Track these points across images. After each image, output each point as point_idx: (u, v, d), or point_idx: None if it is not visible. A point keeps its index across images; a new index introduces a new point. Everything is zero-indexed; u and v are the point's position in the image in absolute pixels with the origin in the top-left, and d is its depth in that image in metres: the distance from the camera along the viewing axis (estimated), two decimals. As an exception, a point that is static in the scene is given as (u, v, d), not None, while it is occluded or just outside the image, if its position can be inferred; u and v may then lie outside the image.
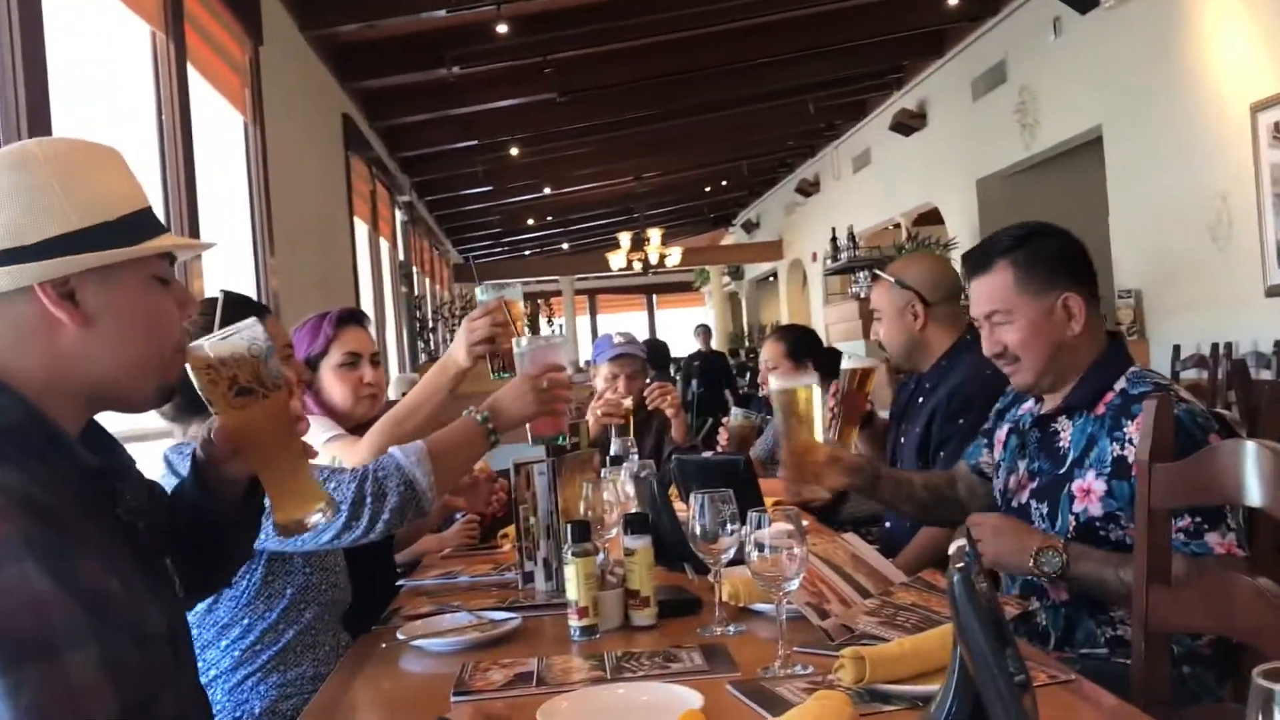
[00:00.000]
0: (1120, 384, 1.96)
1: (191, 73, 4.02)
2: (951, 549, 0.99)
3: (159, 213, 1.29)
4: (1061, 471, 1.98)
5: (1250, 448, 1.47)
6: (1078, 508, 1.93)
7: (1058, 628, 1.99)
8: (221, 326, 1.76)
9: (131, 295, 1.19)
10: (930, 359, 2.81)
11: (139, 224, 1.20)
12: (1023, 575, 1.96)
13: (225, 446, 1.35)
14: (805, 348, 3.67)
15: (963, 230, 9.55)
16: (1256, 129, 5.88)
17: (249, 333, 1.30)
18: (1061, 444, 2.01)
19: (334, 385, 2.56)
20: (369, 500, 1.78)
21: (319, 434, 2.37)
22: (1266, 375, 5.71)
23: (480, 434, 1.92)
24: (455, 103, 8.51)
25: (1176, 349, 6.44)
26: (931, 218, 10.83)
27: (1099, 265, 7.46)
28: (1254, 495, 1.46)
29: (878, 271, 2.95)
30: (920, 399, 2.84)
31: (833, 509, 3.40)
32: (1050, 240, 2.05)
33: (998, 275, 2.03)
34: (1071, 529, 1.94)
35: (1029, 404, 2.16)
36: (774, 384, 2.10)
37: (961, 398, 2.67)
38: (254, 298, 2.12)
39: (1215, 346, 6.15)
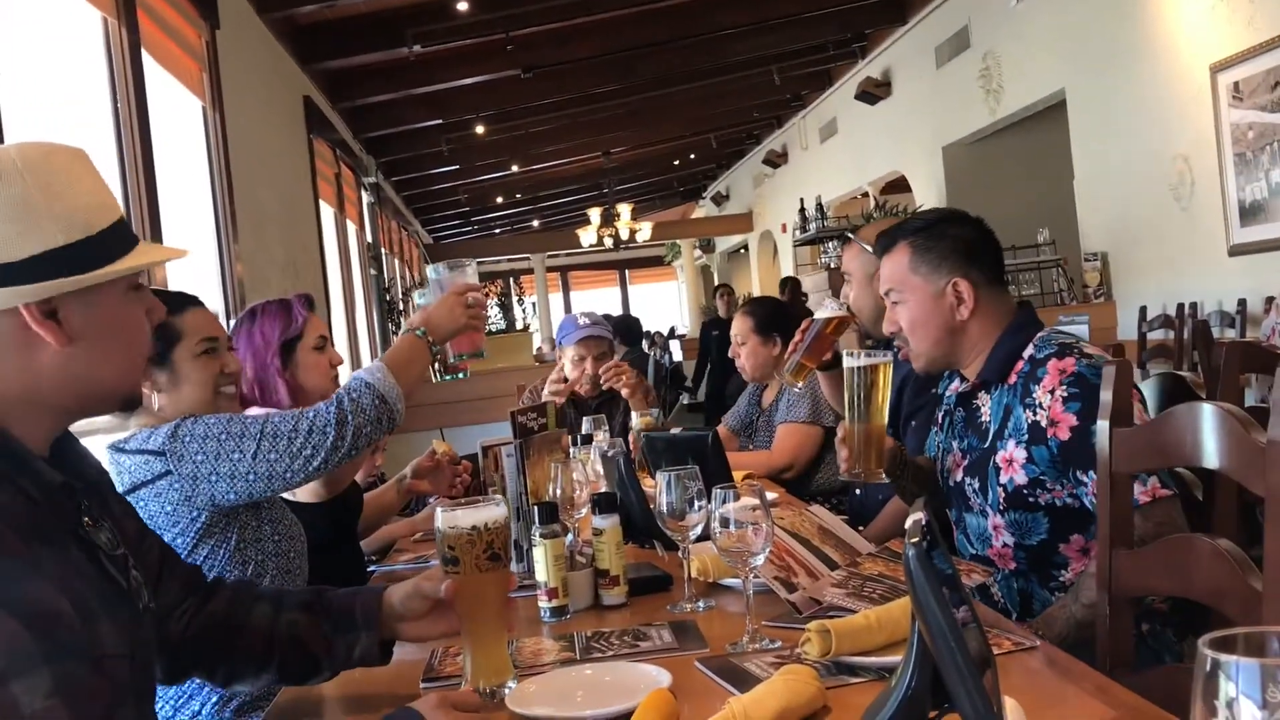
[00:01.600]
0: (1029, 351, 1.99)
1: (146, 59, 3.97)
2: (908, 523, 1.00)
3: (119, 203, 1.26)
4: (986, 445, 2.02)
5: (1207, 410, 1.48)
6: (1004, 479, 1.96)
7: (1014, 602, 2.01)
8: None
9: (112, 310, 1.18)
10: None
11: (118, 236, 1.18)
12: None
13: (422, 608, 1.48)
14: (774, 321, 3.67)
15: (930, 198, 9.56)
16: (1217, 90, 5.91)
17: (503, 507, 1.47)
18: (983, 419, 2.05)
19: (310, 369, 2.55)
20: (350, 417, 1.86)
21: None
22: (1231, 334, 5.77)
23: (423, 346, 2.03)
24: (418, 81, 8.43)
25: (1143, 310, 6.49)
26: (899, 186, 10.85)
27: (1065, 228, 7.47)
28: (1211, 457, 1.47)
29: (849, 235, 2.94)
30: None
31: (803, 481, 3.42)
32: (954, 227, 2.08)
33: (897, 255, 2.09)
34: (1002, 500, 1.97)
35: (955, 384, 2.19)
36: (852, 361, 2.07)
37: None
38: (183, 291, 2.09)
39: (1181, 307, 6.21)
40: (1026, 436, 1.92)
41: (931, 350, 2.08)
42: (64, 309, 1.13)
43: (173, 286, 3.91)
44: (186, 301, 2.05)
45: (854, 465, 2.05)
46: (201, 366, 2.01)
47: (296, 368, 2.52)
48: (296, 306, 2.56)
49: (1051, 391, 1.88)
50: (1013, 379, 1.99)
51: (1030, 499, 1.93)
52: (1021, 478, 1.93)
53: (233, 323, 2.70)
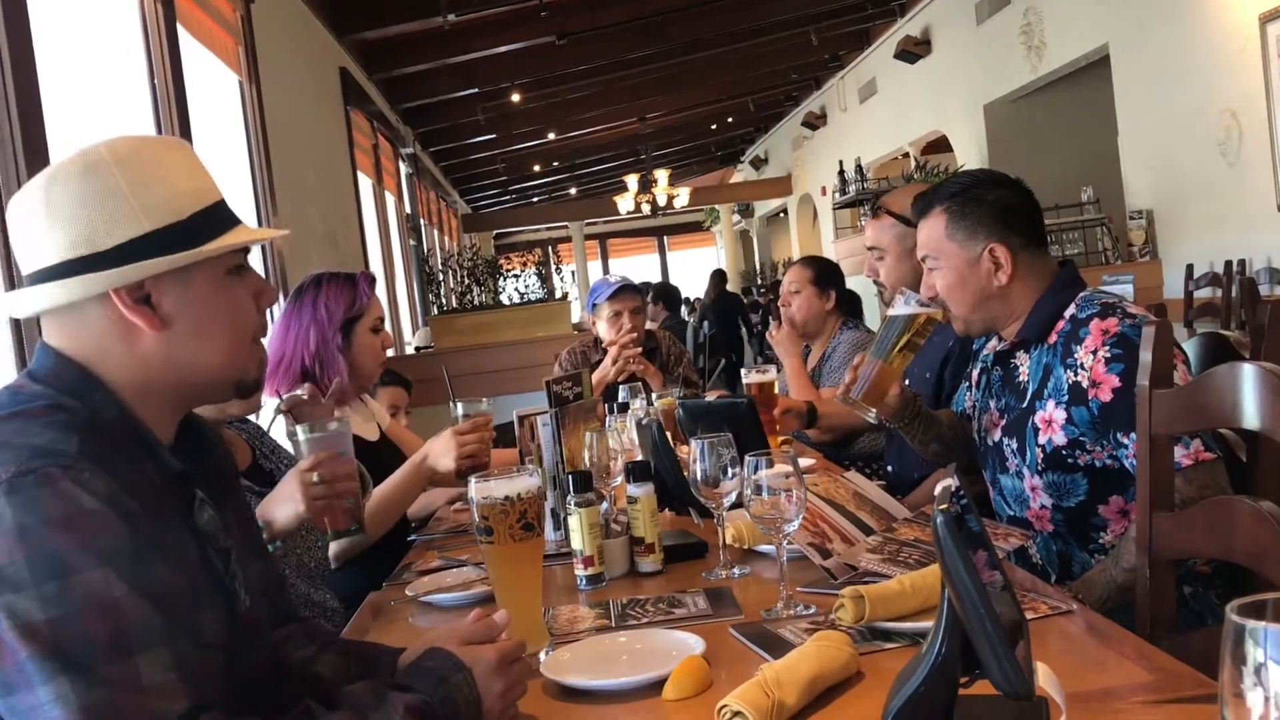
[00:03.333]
0: (1070, 310, 1.97)
1: (182, 34, 3.99)
2: (937, 489, 0.99)
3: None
4: (1024, 405, 2.00)
5: (1247, 369, 1.46)
6: (1043, 439, 1.95)
7: (1053, 564, 2.00)
8: None
9: (206, 293, 1.19)
10: None
11: (211, 220, 1.20)
12: None
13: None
14: (830, 276, 3.65)
15: (972, 157, 9.44)
16: (1266, 41, 5.77)
17: (537, 477, 1.51)
18: (1021, 378, 2.03)
19: (365, 350, 2.57)
20: None
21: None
22: (1280, 291, 5.67)
23: None
24: (453, 50, 8.41)
25: (1189, 268, 6.38)
26: (940, 146, 10.70)
27: (1109, 186, 7.34)
28: (1251, 418, 1.45)
29: (880, 205, 2.87)
30: (933, 337, 2.80)
31: (840, 446, 3.40)
32: (991, 190, 2.04)
33: (933, 220, 2.06)
34: (1040, 461, 1.95)
35: (992, 342, 2.16)
36: (899, 309, 2.06)
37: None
38: None
39: (1229, 264, 6.09)
40: (1067, 397, 1.90)
41: (969, 315, 2.05)
42: (156, 294, 1.15)
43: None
44: None
45: (851, 391, 2.08)
46: None
47: (352, 347, 2.54)
48: (362, 285, 2.57)
49: (1094, 352, 1.86)
50: (1053, 338, 1.96)
51: (1069, 460, 1.91)
52: (1061, 438, 1.91)
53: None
